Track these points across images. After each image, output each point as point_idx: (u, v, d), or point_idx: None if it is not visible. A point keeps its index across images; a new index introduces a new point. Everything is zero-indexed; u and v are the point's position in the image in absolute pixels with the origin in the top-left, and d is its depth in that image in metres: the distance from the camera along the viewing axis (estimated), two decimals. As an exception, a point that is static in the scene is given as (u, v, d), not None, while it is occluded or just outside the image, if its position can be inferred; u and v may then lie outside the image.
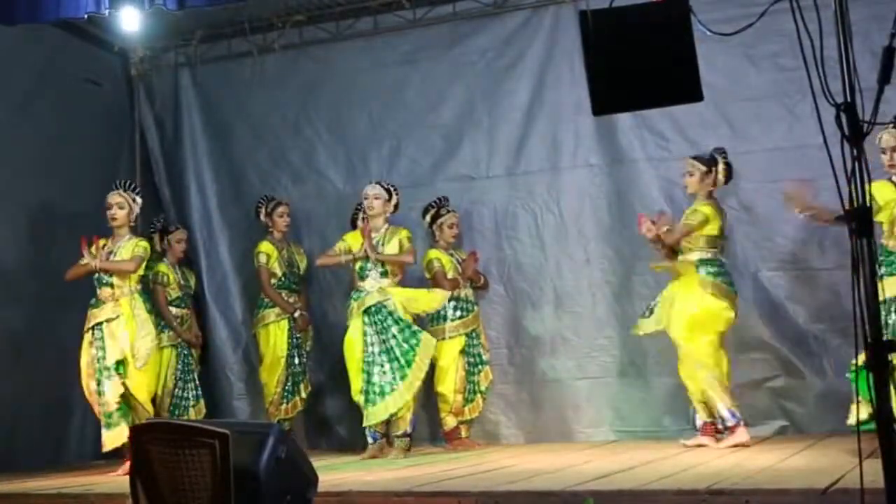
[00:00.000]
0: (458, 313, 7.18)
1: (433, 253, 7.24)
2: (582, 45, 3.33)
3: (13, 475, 6.25)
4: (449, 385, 7.14)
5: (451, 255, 7.30)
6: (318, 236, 7.95)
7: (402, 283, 7.50)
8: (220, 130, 8.49)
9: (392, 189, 6.98)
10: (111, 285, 6.51)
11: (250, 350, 8.03)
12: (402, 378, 6.71)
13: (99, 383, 6.40)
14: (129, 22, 7.29)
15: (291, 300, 7.64)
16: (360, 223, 7.38)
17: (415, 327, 6.86)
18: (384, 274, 6.84)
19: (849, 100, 2.86)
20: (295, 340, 7.59)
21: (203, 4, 6.69)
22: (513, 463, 6.00)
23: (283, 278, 7.61)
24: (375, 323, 6.76)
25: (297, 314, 7.52)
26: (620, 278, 7.30)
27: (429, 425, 7.59)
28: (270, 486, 3.33)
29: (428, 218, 7.32)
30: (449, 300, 7.15)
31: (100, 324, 6.47)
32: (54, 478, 6.23)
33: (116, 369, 6.39)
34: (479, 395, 7.29)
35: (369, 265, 6.83)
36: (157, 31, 7.92)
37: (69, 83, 7.76)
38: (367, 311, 6.79)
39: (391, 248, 6.83)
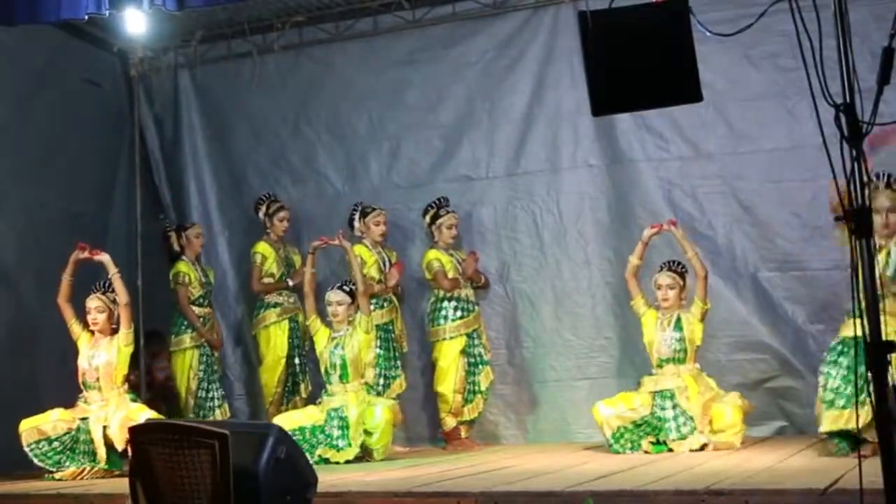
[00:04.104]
0: (459, 313, 7.17)
1: (433, 253, 7.24)
2: (581, 46, 3.34)
3: (13, 475, 6.25)
4: (448, 385, 7.14)
5: (451, 255, 7.29)
6: (317, 237, 7.94)
7: (403, 285, 7.54)
8: (220, 131, 8.49)
9: (353, 289, 6.84)
10: (98, 388, 6.39)
11: (250, 350, 8.03)
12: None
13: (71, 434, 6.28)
14: (129, 22, 7.30)
15: (291, 300, 7.64)
16: (356, 223, 7.39)
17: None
18: (343, 377, 6.75)
19: (848, 100, 2.86)
20: (295, 341, 7.60)
21: (202, 5, 6.68)
22: (512, 463, 6.00)
23: (281, 278, 7.63)
24: (337, 418, 6.69)
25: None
26: (620, 279, 7.25)
27: (428, 426, 7.60)
28: (270, 486, 3.33)
29: (427, 218, 7.32)
30: (449, 300, 7.16)
31: (85, 418, 6.34)
32: (54, 478, 6.22)
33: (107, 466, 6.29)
34: (478, 396, 7.28)
35: (328, 368, 6.80)
36: (156, 31, 7.90)
37: (69, 83, 7.75)
38: (328, 412, 6.71)
39: (351, 352, 6.71)
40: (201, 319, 7.54)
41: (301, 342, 7.65)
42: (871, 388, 2.78)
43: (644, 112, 6.77)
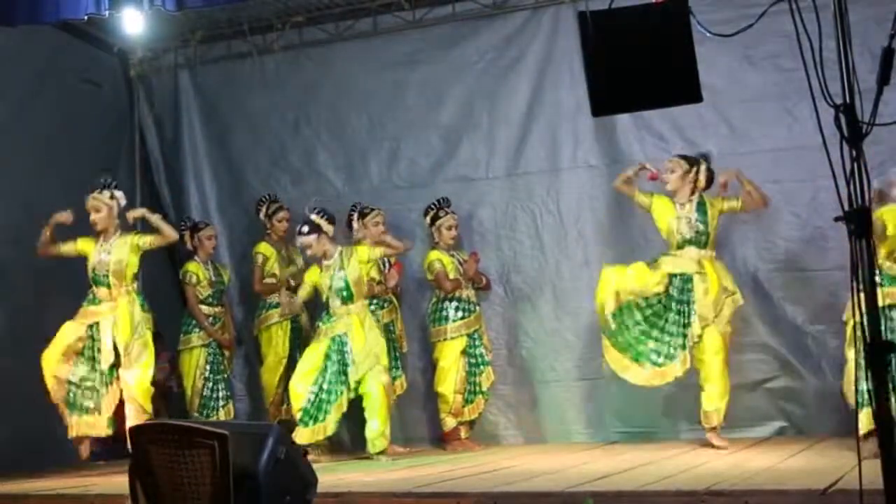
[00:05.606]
0: (460, 314, 7.17)
1: (434, 254, 7.24)
2: (581, 46, 3.34)
3: (13, 475, 6.25)
4: (449, 386, 7.14)
5: (453, 255, 7.29)
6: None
7: (403, 285, 7.53)
8: (220, 131, 8.49)
9: (325, 218, 6.85)
10: (108, 285, 6.52)
11: (250, 351, 8.03)
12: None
13: (77, 381, 6.48)
14: (129, 23, 7.30)
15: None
16: (355, 224, 7.38)
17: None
18: (347, 298, 6.79)
19: (848, 101, 2.86)
20: (297, 342, 7.60)
21: (202, 5, 6.70)
22: (512, 464, 6.01)
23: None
24: (338, 352, 6.73)
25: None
26: (619, 279, 7.29)
27: (428, 426, 7.60)
28: (270, 486, 3.33)
29: (428, 219, 7.32)
30: (451, 300, 7.16)
31: (96, 322, 6.49)
32: (54, 478, 6.22)
33: (110, 373, 6.44)
34: (479, 396, 7.28)
35: (329, 294, 6.81)
36: (156, 32, 7.92)
37: (69, 83, 7.76)
38: (333, 338, 6.77)
39: (352, 272, 6.75)
40: (211, 319, 7.52)
41: (303, 343, 7.64)
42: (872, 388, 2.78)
43: (644, 112, 6.78)
